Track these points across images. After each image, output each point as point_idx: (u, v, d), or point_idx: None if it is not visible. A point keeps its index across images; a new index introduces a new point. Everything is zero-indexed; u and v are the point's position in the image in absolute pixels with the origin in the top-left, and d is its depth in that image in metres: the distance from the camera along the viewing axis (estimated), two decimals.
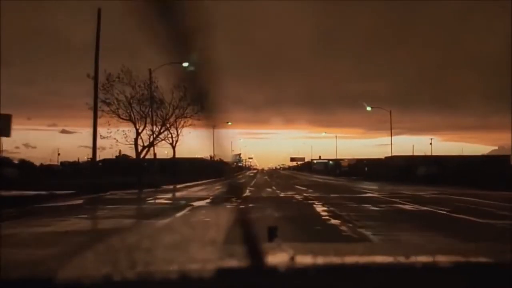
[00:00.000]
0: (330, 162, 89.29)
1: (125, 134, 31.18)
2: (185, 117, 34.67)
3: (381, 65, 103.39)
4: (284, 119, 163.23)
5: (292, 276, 0.99)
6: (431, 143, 72.37)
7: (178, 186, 29.87)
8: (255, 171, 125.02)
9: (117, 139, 31.11)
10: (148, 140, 32.39)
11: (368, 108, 45.14)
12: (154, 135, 32.43)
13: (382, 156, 70.10)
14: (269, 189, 26.60)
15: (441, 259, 1.22)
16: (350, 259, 1.28)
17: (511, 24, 39.07)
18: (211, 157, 62.95)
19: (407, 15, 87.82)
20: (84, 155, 43.81)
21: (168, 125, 34.19)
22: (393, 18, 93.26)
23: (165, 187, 27.91)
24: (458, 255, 1.35)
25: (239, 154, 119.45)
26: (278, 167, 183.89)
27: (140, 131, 31.54)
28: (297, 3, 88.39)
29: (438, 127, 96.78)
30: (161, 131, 33.39)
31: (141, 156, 32.02)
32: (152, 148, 33.25)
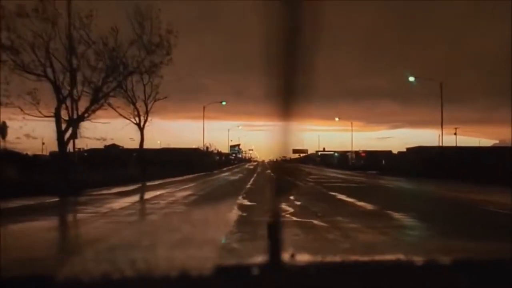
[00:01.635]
0: (336, 154, 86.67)
1: (35, 99, 18.80)
2: (141, 73, 22.56)
3: (383, 61, 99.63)
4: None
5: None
6: (455, 133, 58.99)
7: (127, 189, 17.97)
8: (255, 163, 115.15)
9: (21, 107, 19.20)
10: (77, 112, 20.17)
11: (411, 79, 37.08)
12: (78, 96, 20.11)
13: (385, 148, 70.42)
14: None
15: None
16: None
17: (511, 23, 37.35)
18: (207, 147, 58.26)
19: (411, 13, 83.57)
20: (88, 145, 38.45)
21: (116, 84, 21.90)
22: (396, 16, 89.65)
23: (102, 192, 15.99)
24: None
25: (238, 145, 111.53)
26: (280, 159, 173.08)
27: (65, 95, 19.94)
28: None
29: (439, 121, 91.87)
30: (100, 95, 20.89)
31: (65, 137, 19.79)
32: (85, 127, 20.95)
